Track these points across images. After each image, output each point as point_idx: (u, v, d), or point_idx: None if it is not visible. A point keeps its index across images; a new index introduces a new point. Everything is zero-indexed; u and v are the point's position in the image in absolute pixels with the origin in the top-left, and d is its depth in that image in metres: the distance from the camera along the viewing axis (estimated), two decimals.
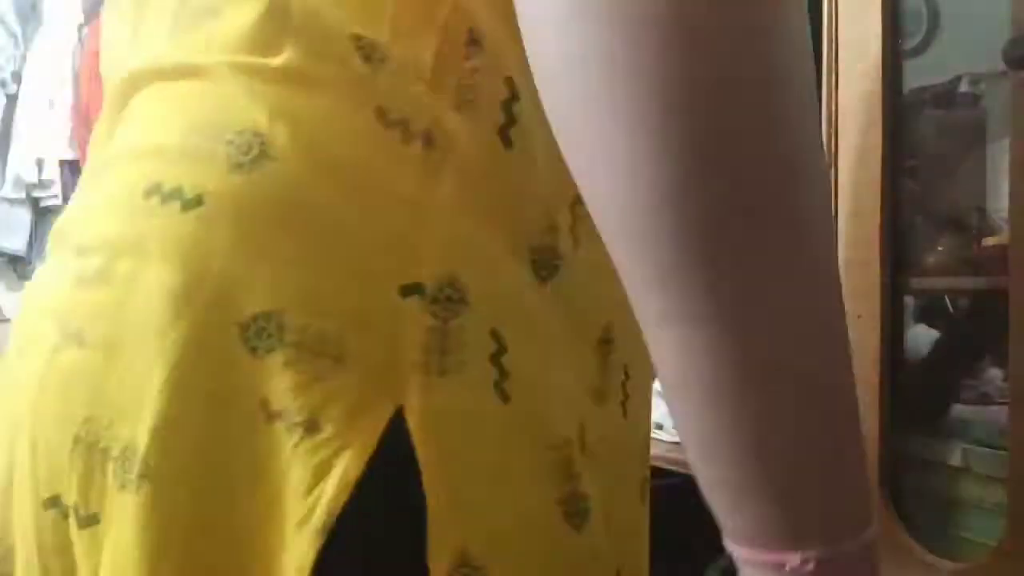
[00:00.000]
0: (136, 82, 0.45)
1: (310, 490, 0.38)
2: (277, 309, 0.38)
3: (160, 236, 0.40)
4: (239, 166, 0.39)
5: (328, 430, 0.38)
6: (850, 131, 1.19)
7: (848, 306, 1.23)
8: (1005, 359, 1.00)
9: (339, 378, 0.38)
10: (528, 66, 0.33)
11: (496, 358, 0.40)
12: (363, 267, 0.39)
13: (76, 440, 0.41)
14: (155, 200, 0.40)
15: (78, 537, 0.41)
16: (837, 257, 0.38)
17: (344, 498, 0.38)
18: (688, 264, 0.30)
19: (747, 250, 0.30)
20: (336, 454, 0.38)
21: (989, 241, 1.12)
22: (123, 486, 0.39)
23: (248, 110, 0.40)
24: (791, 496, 0.34)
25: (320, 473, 0.38)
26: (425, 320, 0.39)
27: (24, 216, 3.45)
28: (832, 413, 0.34)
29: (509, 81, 0.41)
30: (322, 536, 0.37)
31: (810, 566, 0.34)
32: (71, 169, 3.32)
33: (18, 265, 3.55)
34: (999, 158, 1.14)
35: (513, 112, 0.41)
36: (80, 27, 3.34)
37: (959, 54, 1.24)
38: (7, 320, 2.84)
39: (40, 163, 3.34)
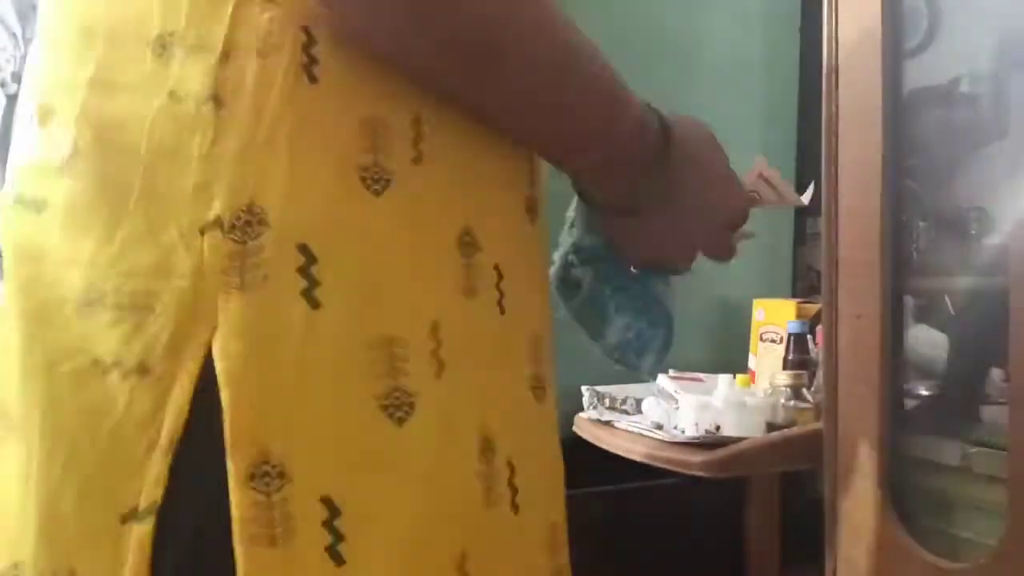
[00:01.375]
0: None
1: (152, 422, 0.46)
2: (98, 278, 0.48)
3: (13, 239, 0.52)
4: (60, 168, 0.50)
5: (157, 370, 0.46)
6: (850, 131, 1.19)
7: (848, 306, 1.25)
8: (1005, 359, 1.00)
9: (156, 323, 0.46)
10: (321, 16, 0.48)
11: (305, 269, 0.46)
12: (159, 226, 0.47)
13: None
14: (19, 207, 0.52)
15: None
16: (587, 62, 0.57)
17: (182, 423, 0.46)
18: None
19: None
20: (167, 390, 0.46)
21: (989, 241, 1.12)
22: (2, 439, 0.51)
23: (68, 119, 0.51)
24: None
25: (158, 406, 0.46)
26: (227, 247, 0.46)
27: None
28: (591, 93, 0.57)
29: (305, 29, 0.49)
30: (169, 455, 0.45)
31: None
32: None
33: None
34: (999, 158, 1.14)
35: (312, 53, 0.48)
36: None
37: (959, 54, 1.24)
38: None
39: None
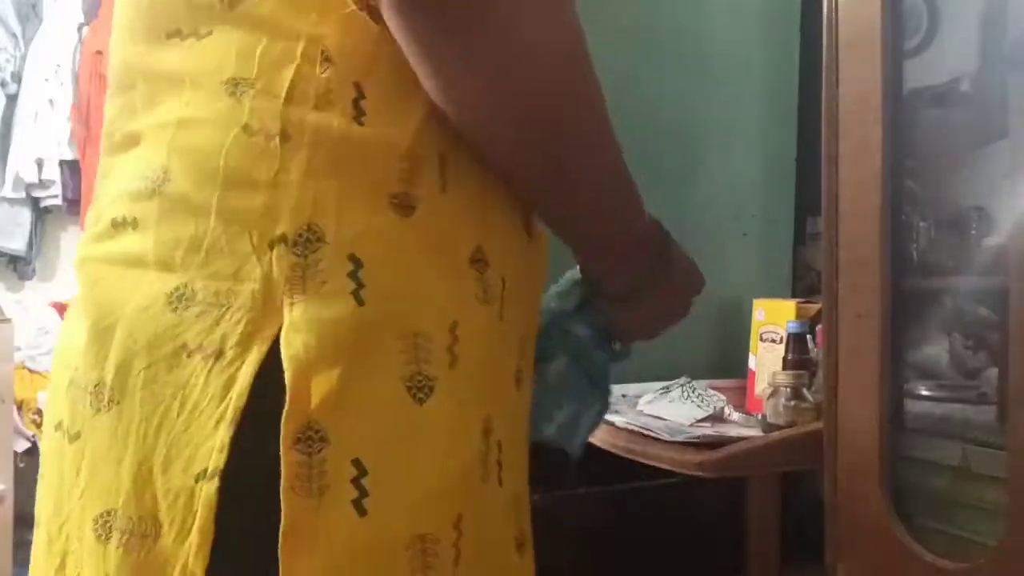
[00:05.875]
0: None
1: (223, 398, 0.56)
2: (189, 279, 0.58)
3: (107, 252, 0.63)
4: (151, 192, 0.61)
5: (229, 356, 0.56)
6: (850, 131, 1.19)
7: (848, 306, 1.26)
8: (1005, 359, 1.00)
9: (233, 318, 0.57)
10: (374, 70, 0.59)
11: (354, 274, 0.57)
12: (236, 238, 0.58)
13: (70, 382, 0.62)
14: (115, 229, 0.63)
15: (68, 449, 0.62)
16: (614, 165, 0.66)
17: (244, 400, 0.55)
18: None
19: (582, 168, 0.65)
20: (236, 372, 0.56)
21: (989, 241, 1.12)
22: (97, 411, 0.60)
23: (157, 154, 0.62)
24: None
25: (228, 386, 0.56)
26: (290, 259, 0.57)
27: (24, 216, 3.45)
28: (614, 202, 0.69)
29: (356, 84, 0.60)
30: (232, 426, 0.55)
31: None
32: (71, 169, 3.31)
33: (18, 265, 3.55)
34: (999, 158, 1.14)
35: (361, 106, 0.59)
36: (80, 27, 3.34)
37: (959, 54, 1.25)
38: (7, 320, 2.83)
39: (40, 163, 3.34)
